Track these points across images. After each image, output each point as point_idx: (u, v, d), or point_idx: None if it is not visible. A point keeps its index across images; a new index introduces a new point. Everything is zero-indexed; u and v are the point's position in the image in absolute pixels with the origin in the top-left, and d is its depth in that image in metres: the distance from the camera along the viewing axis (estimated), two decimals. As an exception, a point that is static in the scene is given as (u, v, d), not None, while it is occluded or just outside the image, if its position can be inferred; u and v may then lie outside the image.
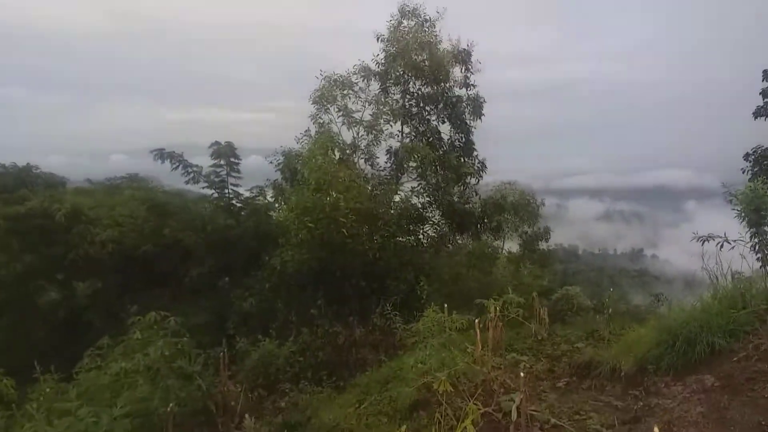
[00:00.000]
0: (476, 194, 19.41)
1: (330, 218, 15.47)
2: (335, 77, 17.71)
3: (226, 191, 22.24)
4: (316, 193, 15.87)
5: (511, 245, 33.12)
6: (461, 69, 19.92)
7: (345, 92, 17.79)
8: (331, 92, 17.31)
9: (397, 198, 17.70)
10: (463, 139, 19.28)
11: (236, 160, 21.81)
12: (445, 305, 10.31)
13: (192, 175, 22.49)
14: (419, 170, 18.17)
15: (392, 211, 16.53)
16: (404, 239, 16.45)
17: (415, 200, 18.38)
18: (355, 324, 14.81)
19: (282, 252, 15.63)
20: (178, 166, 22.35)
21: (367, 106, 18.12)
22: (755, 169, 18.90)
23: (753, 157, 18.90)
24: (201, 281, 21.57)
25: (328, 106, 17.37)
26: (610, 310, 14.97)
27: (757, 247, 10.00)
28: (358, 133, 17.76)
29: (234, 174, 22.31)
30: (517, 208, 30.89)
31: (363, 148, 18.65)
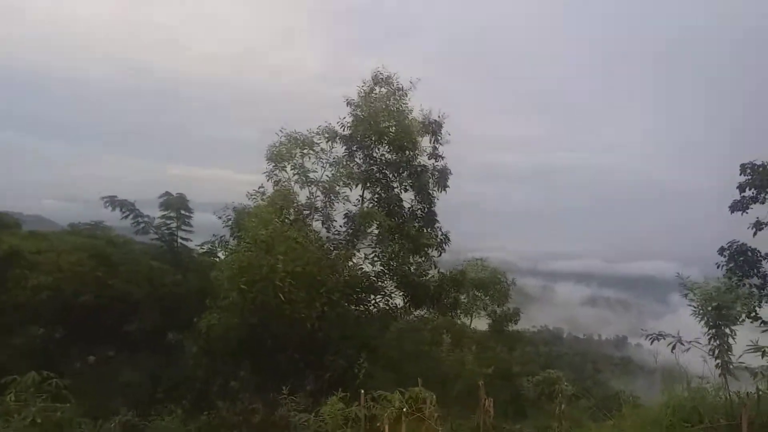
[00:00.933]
0: (435, 267, 17.98)
1: (266, 280, 14.02)
2: (296, 135, 16.63)
3: (176, 245, 20.93)
4: (255, 252, 14.49)
5: (479, 324, 31.61)
6: (430, 139, 18.98)
7: (305, 151, 16.69)
8: (289, 150, 16.20)
9: (351, 263, 16.26)
10: (426, 210, 18.01)
11: (187, 213, 20.59)
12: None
13: (142, 225, 21.23)
14: (377, 237, 16.86)
15: (339, 277, 15.01)
16: (349, 309, 14.83)
17: (368, 268, 16.95)
18: (278, 402, 13.12)
19: (208, 315, 14.09)
20: (128, 215, 21.12)
21: (326, 167, 16.91)
22: (730, 265, 17.62)
23: (728, 252, 17.66)
24: (142, 337, 19.99)
25: (285, 164, 16.16)
26: (563, 407, 13.34)
27: (716, 352, 8.66)
28: (313, 194, 16.47)
29: (185, 227, 21.05)
30: (486, 286, 29.63)
31: (320, 209, 17.36)
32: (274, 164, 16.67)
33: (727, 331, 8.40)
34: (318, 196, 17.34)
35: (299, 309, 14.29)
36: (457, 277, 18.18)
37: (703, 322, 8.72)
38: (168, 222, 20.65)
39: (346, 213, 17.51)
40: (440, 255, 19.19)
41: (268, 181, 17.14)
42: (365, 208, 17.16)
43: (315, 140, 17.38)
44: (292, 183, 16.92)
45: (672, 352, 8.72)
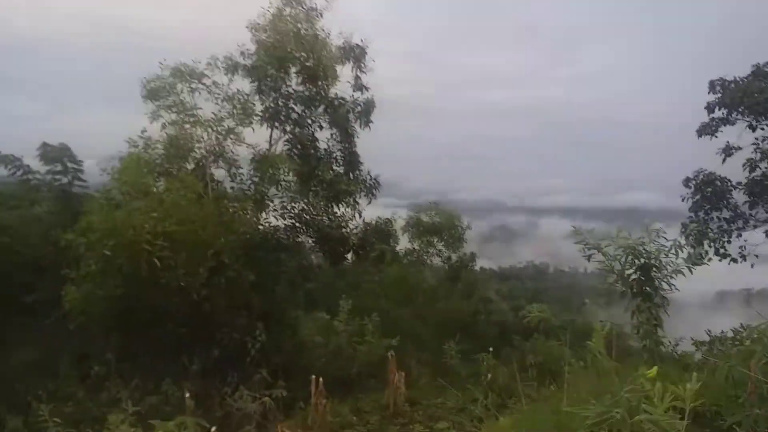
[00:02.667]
0: (360, 216, 15.43)
1: (135, 243, 11.47)
2: (180, 66, 13.66)
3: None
4: (122, 211, 11.91)
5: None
6: (352, 68, 16.07)
7: (193, 85, 13.75)
8: (170, 84, 13.26)
9: (252, 218, 13.67)
10: (346, 151, 15.29)
11: (75, 165, 17.66)
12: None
13: (33, 182, 18.37)
14: (285, 185, 14.21)
15: (234, 237, 12.46)
16: (242, 273, 12.32)
17: (279, 222, 14.39)
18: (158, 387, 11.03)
19: (68, 288, 11.61)
20: (15, 171, 18.22)
21: (221, 103, 14.04)
22: (696, 197, 15.22)
23: (694, 182, 15.24)
24: (42, 310, 17.51)
25: (167, 101, 13.29)
26: (489, 376, 11.20)
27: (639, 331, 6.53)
28: (207, 137, 13.69)
29: (79, 183, 18.19)
30: (440, 231, 27.26)
31: (224, 155, 14.65)
32: (153, 102, 13.66)
33: (657, 300, 5.99)
34: (215, 138, 14.44)
35: (177, 276, 11.72)
36: (382, 226, 15.63)
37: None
38: (57, 177, 17.75)
39: (253, 158, 14.69)
40: (370, 202, 16.64)
41: (151, 123, 14.24)
42: (270, 152, 14.32)
43: (205, 72, 14.35)
44: (185, 125, 14.00)
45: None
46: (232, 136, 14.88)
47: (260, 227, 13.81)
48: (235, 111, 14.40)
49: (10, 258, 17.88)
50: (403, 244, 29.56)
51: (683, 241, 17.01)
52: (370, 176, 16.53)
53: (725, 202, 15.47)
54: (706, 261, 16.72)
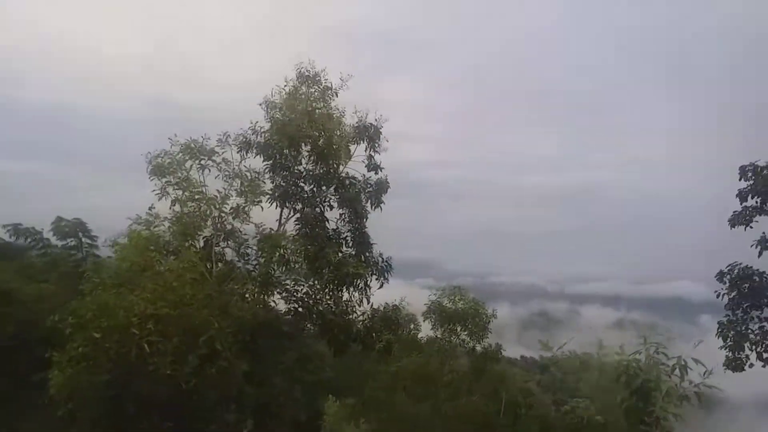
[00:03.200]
0: (368, 302, 14.61)
1: (124, 327, 10.95)
2: (190, 143, 13.60)
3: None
4: (115, 291, 11.48)
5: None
6: (366, 148, 15.80)
7: (203, 162, 13.62)
8: (178, 161, 13.16)
9: (252, 301, 13.03)
10: (356, 232, 14.74)
11: (90, 241, 17.56)
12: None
13: (48, 257, 18.39)
14: (288, 267, 13.64)
15: (231, 321, 11.81)
16: (234, 362, 11.55)
17: (282, 307, 13.71)
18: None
19: (55, 372, 11.05)
20: (35, 245, 18.33)
21: (231, 182, 13.82)
22: (732, 294, 13.95)
23: (728, 277, 14.01)
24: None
25: (175, 178, 13.14)
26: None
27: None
28: (210, 213, 13.38)
29: (94, 259, 18.05)
30: (464, 319, 26.00)
31: (234, 234, 14.30)
32: (161, 179, 13.52)
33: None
34: (224, 218, 14.13)
35: (166, 363, 11.05)
36: (389, 314, 14.74)
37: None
38: (72, 252, 17.68)
39: (256, 237, 14.27)
40: (381, 286, 15.82)
41: (159, 200, 14.04)
42: (278, 231, 13.89)
43: (216, 149, 14.26)
44: (191, 202, 13.75)
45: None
46: (241, 214, 14.55)
47: (260, 312, 12.99)
48: (243, 188, 14.09)
49: (25, 333, 17.65)
50: (426, 331, 28.55)
51: (722, 342, 15.47)
52: (382, 258, 15.91)
53: (766, 300, 14.13)
54: (747, 367, 15.14)
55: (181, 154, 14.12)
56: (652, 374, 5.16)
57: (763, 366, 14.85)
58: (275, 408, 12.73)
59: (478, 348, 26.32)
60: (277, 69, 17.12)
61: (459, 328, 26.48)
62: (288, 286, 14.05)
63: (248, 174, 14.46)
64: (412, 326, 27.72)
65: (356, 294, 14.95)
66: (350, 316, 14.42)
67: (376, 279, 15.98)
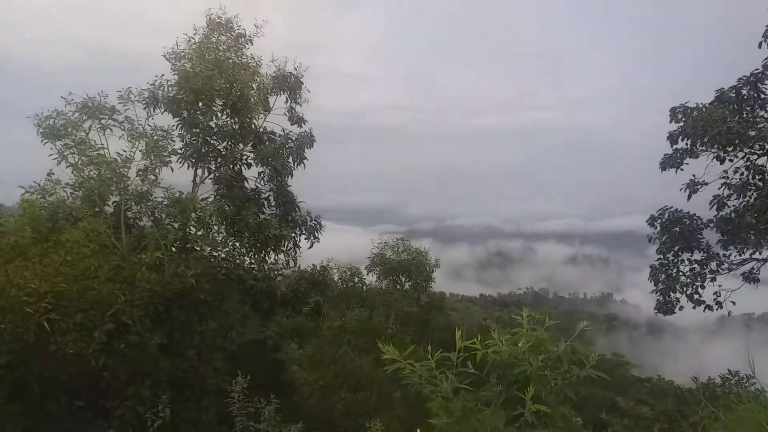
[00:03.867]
0: (294, 264, 13.97)
1: (19, 304, 10.10)
2: (89, 102, 12.36)
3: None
4: (8, 266, 10.56)
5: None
6: (287, 99, 14.78)
7: (103, 121, 12.43)
8: (72, 122, 11.95)
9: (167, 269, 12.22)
10: (277, 190, 13.94)
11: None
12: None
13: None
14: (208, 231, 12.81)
15: (141, 292, 11.02)
16: (144, 336, 10.84)
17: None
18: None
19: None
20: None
21: (135, 141, 12.71)
22: (663, 238, 13.82)
23: (659, 221, 13.85)
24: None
25: (66, 140, 11.98)
26: None
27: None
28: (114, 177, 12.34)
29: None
30: (409, 270, 25.79)
31: (146, 198, 13.32)
32: (54, 142, 12.34)
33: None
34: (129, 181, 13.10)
35: (68, 342, 10.27)
36: (316, 277, 14.17)
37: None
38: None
39: (163, 201, 13.33)
40: (311, 246, 15.20)
41: (57, 165, 12.87)
42: (186, 195, 12.95)
43: (117, 107, 13.06)
44: (89, 166, 12.65)
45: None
46: (151, 176, 13.55)
47: (175, 281, 12.20)
48: (148, 149, 13.02)
49: None
50: (374, 283, 28.28)
51: (652, 286, 15.43)
52: (311, 217, 15.18)
53: (696, 242, 14.09)
54: (677, 309, 15.20)
55: (77, 114, 12.92)
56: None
57: (693, 307, 15.02)
58: (195, 379, 12.15)
59: (423, 298, 26.38)
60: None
61: (403, 279, 26.43)
62: (204, 252, 13.19)
63: (152, 133, 13.36)
64: (356, 279, 27.59)
65: (281, 257, 14.30)
66: (276, 280, 13.77)
67: (306, 239, 15.38)
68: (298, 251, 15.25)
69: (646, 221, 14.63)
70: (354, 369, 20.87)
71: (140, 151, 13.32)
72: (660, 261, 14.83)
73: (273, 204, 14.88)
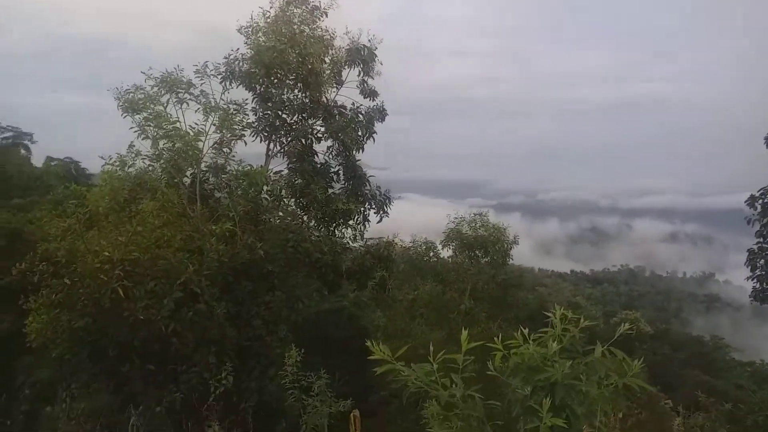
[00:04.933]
0: (362, 238, 13.87)
1: (95, 271, 10.67)
2: (166, 76, 12.71)
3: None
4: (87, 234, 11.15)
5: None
6: (359, 72, 14.55)
7: (180, 95, 12.74)
8: (151, 96, 12.33)
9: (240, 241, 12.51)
10: (346, 164, 13.81)
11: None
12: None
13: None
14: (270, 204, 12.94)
15: (209, 262, 11.35)
16: (212, 304, 11.16)
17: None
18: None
19: (32, 317, 10.96)
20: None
21: (211, 115, 12.98)
22: (765, 220, 12.50)
23: (761, 202, 12.51)
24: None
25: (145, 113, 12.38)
26: None
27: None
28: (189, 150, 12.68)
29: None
30: (486, 246, 25.04)
31: (221, 169, 13.67)
32: (134, 116, 12.78)
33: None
34: (202, 154, 13.41)
35: (139, 308, 10.76)
36: (381, 252, 13.96)
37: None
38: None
39: (235, 173, 13.54)
40: (381, 220, 15.03)
41: (138, 138, 13.37)
42: (256, 168, 13.08)
43: (194, 81, 13.31)
44: (165, 139, 13.03)
45: None
46: (225, 149, 13.79)
47: (243, 252, 12.42)
48: (224, 122, 13.21)
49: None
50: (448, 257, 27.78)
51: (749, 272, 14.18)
52: (380, 191, 14.92)
53: (801, 227, 12.62)
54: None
55: (156, 88, 13.28)
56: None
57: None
58: (260, 349, 12.39)
59: (500, 274, 25.61)
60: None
61: (480, 255, 25.76)
62: (275, 224, 13.31)
63: (227, 107, 13.52)
64: (431, 254, 27.22)
65: (348, 231, 14.21)
66: (342, 254, 13.70)
67: (375, 213, 15.19)
68: (367, 225, 15.11)
69: (745, 201, 13.24)
70: (425, 343, 20.79)
71: (214, 124, 13.57)
72: (760, 245, 13.46)
73: (342, 178, 14.78)
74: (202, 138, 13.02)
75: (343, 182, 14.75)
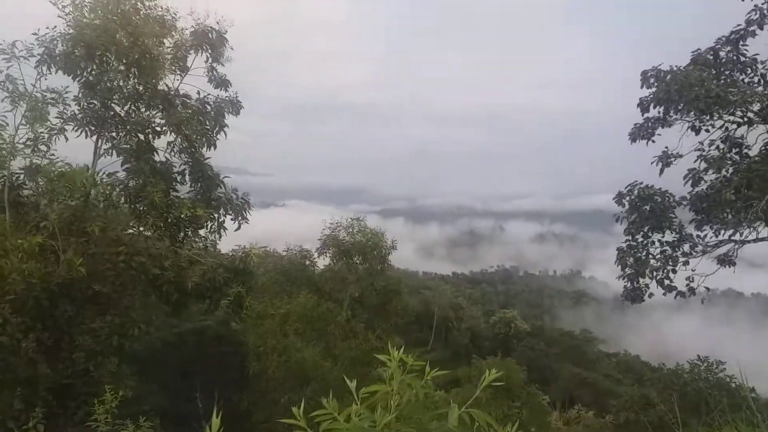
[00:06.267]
0: (214, 248, 11.94)
1: None
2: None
3: None
4: None
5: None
6: (207, 57, 12.64)
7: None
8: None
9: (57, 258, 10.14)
10: (192, 163, 11.84)
11: None
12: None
13: None
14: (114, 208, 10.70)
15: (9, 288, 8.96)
16: (16, 338, 8.81)
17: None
18: None
19: None
20: None
21: (21, 105, 10.51)
22: (632, 217, 12.13)
23: (628, 198, 12.12)
24: None
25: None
26: None
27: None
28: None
29: None
30: (365, 252, 23.93)
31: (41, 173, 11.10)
32: None
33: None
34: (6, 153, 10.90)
35: None
36: (236, 265, 12.13)
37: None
38: None
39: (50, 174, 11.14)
40: (239, 227, 13.17)
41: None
42: (72, 168, 10.79)
43: (-2, 64, 10.81)
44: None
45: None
46: (42, 146, 11.35)
47: (61, 270, 10.10)
48: (35, 113, 10.80)
49: None
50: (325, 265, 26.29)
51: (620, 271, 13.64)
52: (236, 195, 13.09)
53: (668, 222, 12.41)
54: (646, 297, 13.49)
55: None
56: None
57: (664, 294, 13.43)
58: (82, 387, 10.13)
59: (380, 282, 24.55)
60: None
61: (359, 262, 24.56)
62: (100, 236, 11.02)
63: (41, 95, 11.12)
64: (307, 263, 25.63)
65: (197, 241, 12.24)
66: (188, 269, 11.65)
67: (232, 220, 13.31)
68: (223, 233, 13.24)
69: (613, 199, 12.94)
70: (299, 360, 19.08)
71: (25, 116, 11.13)
72: (628, 243, 13.20)
73: (188, 180, 12.77)
74: (4, 133, 10.54)
75: (190, 185, 12.75)
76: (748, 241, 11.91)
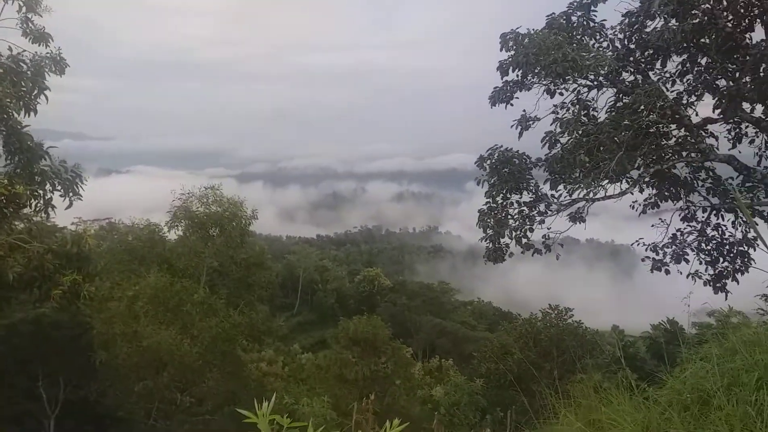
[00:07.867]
0: (42, 230, 10.16)
1: None
2: None
3: None
4: None
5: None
6: (20, 7, 10.57)
7: None
8: None
9: None
10: (7, 132, 9.89)
11: None
12: None
13: None
14: None
15: None
16: None
17: None
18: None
19: None
20: None
21: None
22: (493, 180, 12.20)
23: (489, 162, 12.17)
24: None
25: None
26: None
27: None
28: None
29: None
30: (222, 224, 22.51)
31: None
32: None
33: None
34: None
35: None
36: (69, 249, 10.50)
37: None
38: None
39: None
40: (70, 205, 11.39)
41: None
42: None
43: None
44: None
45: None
46: None
47: None
48: None
49: None
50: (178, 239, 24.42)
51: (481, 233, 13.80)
52: (65, 168, 11.30)
53: (525, 183, 12.72)
54: (507, 256, 13.87)
55: None
56: None
57: (522, 252, 13.90)
58: None
59: (241, 254, 23.29)
60: None
61: (216, 234, 23.01)
62: None
63: None
64: (156, 238, 23.57)
65: (18, 224, 10.39)
66: (7, 258, 9.83)
67: (61, 196, 11.50)
68: (52, 213, 11.42)
69: (475, 162, 13.00)
70: (152, 345, 17.58)
71: None
72: (489, 205, 13.40)
73: (2, 152, 10.74)
74: None
75: (6, 158, 10.74)
76: (597, 199, 12.58)
